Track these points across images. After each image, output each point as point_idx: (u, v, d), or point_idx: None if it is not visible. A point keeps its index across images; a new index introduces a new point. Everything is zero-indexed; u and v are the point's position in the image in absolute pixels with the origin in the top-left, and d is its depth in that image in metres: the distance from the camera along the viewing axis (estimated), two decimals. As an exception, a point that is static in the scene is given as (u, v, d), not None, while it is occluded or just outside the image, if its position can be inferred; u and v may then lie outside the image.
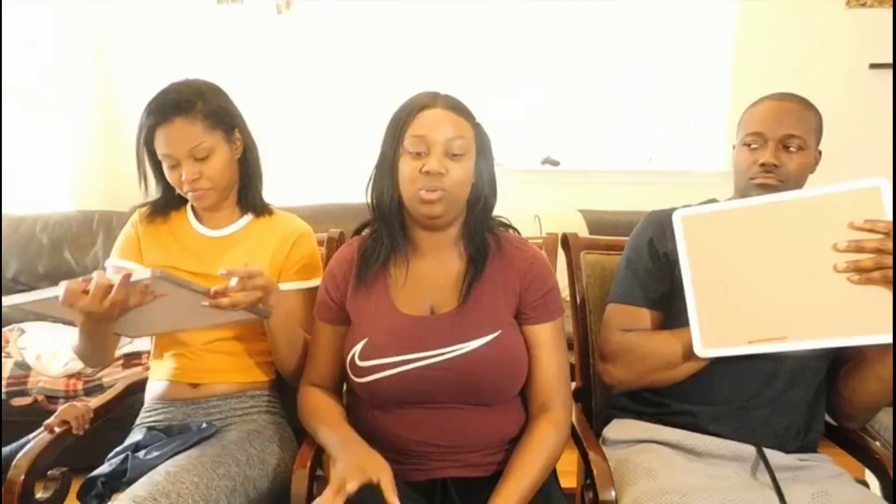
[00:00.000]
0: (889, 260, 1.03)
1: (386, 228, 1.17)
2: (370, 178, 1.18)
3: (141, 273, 1.03)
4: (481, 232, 1.19)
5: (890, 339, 1.07)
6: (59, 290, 1.03)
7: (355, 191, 1.26)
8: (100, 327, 1.13)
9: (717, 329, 1.16)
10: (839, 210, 1.09)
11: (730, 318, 1.15)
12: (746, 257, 1.14)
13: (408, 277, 1.18)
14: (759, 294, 1.14)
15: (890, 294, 1.06)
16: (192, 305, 1.13)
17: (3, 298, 1.10)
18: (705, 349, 1.16)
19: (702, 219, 1.18)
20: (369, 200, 1.19)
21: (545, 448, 1.12)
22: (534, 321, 1.17)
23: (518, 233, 1.28)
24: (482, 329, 1.12)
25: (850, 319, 1.09)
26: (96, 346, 1.23)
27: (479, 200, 1.18)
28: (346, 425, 1.17)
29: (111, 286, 1.03)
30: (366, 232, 1.24)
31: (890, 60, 3.00)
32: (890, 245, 1.03)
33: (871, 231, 1.05)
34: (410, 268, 1.18)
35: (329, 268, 1.24)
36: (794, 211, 1.12)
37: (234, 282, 1.12)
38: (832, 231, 1.09)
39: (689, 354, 1.19)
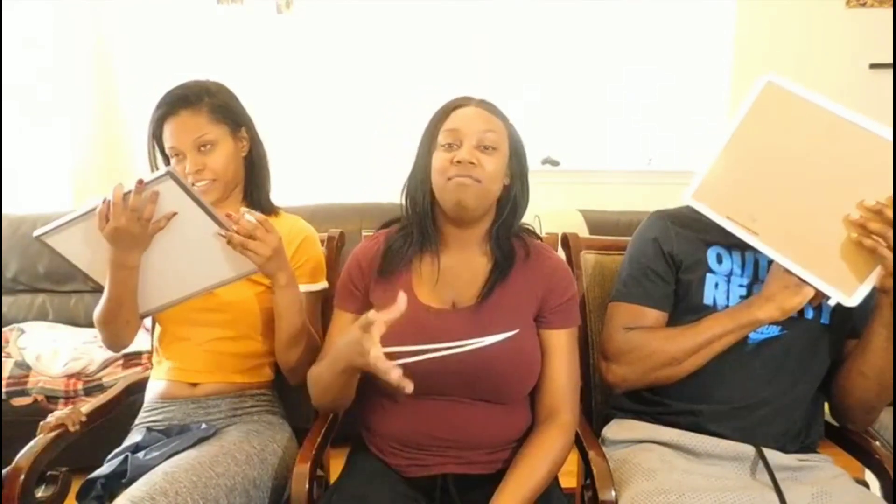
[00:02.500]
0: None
1: (418, 225, 1.19)
2: (405, 185, 1.21)
3: (154, 174, 1.12)
4: (508, 236, 1.21)
5: (840, 299, 1.08)
6: (94, 201, 1.13)
7: (355, 191, 1.27)
8: (128, 258, 1.19)
9: (713, 188, 1.19)
10: (885, 158, 1.07)
11: (731, 187, 1.17)
12: (787, 150, 1.13)
13: (433, 272, 1.20)
14: (770, 187, 1.14)
15: (869, 266, 1.06)
16: (198, 244, 1.18)
17: (37, 230, 1.18)
18: (692, 198, 1.20)
19: (783, 94, 1.15)
20: (403, 203, 1.22)
21: (551, 452, 1.12)
22: (551, 326, 1.19)
23: (542, 241, 1.30)
24: (501, 325, 1.13)
25: (820, 259, 1.09)
26: (122, 300, 1.24)
27: (510, 201, 1.19)
28: None
29: (128, 193, 1.12)
30: (393, 227, 1.26)
31: (890, 60, 3.01)
32: None
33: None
34: (436, 263, 1.20)
35: (353, 258, 1.25)
36: (855, 139, 1.09)
37: (246, 216, 1.16)
38: (871, 175, 1.07)
39: (692, 350, 1.19)
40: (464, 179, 1.10)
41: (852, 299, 1.08)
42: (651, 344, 1.23)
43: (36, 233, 1.18)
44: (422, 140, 1.19)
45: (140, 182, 1.11)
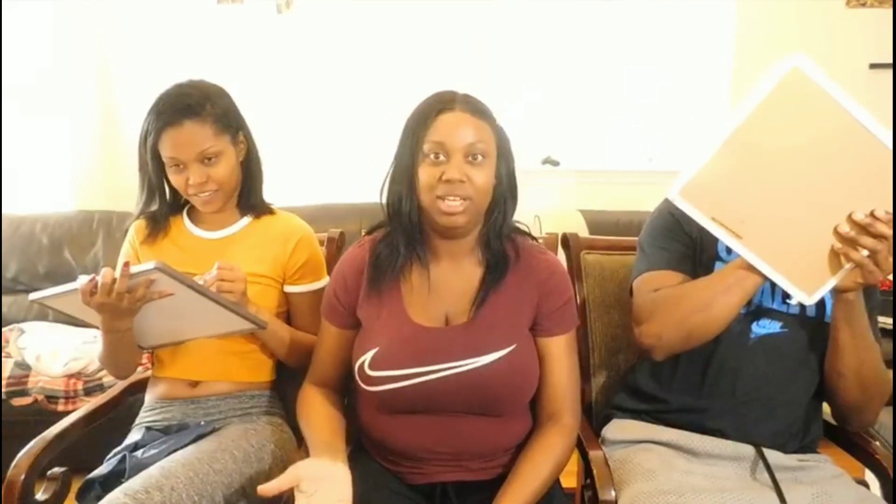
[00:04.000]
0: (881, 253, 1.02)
1: (404, 237, 1.13)
2: (384, 182, 1.14)
3: (143, 266, 1.11)
4: (499, 239, 1.15)
5: (802, 300, 1.09)
6: (79, 283, 1.12)
7: (355, 191, 1.26)
8: (117, 325, 1.18)
9: (701, 189, 1.09)
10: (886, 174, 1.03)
11: (718, 188, 1.09)
12: (792, 147, 1.06)
13: (423, 285, 1.15)
14: (766, 187, 1.07)
15: (835, 272, 1.06)
16: (196, 307, 1.18)
17: (32, 294, 1.19)
18: (678, 196, 1.10)
19: (807, 85, 1.04)
20: (384, 205, 1.15)
21: (553, 454, 1.12)
22: (549, 333, 1.16)
23: (535, 240, 1.25)
24: (497, 342, 1.10)
25: (794, 260, 1.08)
26: (117, 351, 1.27)
27: (498, 204, 1.14)
28: (334, 430, 1.15)
29: (116, 279, 1.10)
30: (379, 233, 1.19)
31: (890, 60, 3.00)
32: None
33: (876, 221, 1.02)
34: (426, 275, 1.16)
35: (339, 270, 1.21)
36: (867, 148, 1.03)
37: (214, 268, 1.20)
38: (871, 185, 1.03)
39: (721, 291, 1.14)
40: (454, 204, 1.05)
41: (812, 298, 1.09)
42: (677, 291, 1.19)
43: (32, 297, 1.20)
44: (402, 142, 1.11)
45: (126, 266, 1.09)
